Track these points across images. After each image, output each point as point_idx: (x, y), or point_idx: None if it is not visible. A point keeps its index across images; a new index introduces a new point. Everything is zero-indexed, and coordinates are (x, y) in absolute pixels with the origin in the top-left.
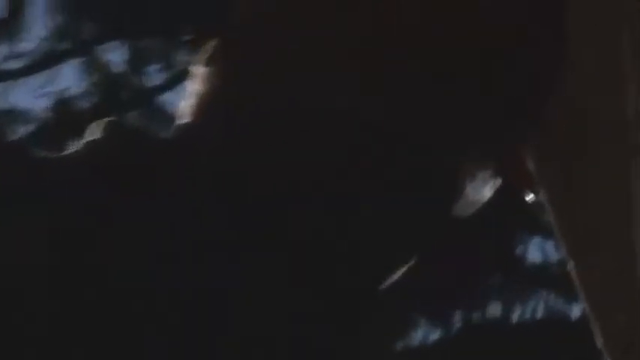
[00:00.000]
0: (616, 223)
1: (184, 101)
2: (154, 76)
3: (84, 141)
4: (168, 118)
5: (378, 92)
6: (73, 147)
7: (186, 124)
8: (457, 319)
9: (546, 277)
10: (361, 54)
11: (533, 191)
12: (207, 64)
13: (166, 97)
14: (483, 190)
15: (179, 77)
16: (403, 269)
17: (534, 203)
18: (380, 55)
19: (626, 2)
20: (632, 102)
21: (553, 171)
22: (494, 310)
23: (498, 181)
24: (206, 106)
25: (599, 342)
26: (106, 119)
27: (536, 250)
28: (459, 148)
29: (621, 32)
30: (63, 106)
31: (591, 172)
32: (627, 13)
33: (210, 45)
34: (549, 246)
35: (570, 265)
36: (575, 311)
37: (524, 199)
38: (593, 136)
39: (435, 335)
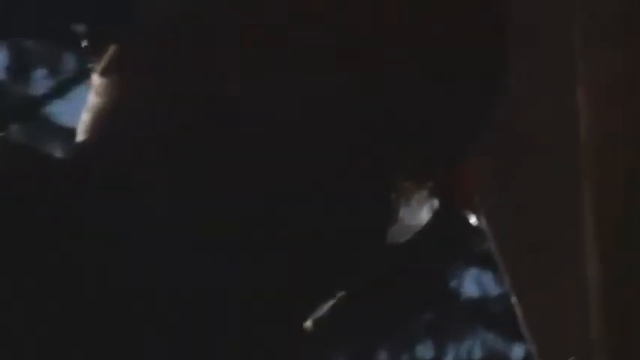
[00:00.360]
0: (566, 253)
1: (82, 115)
2: (40, 82)
3: None
4: (57, 131)
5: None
6: None
7: (84, 143)
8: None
9: (484, 313)
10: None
11: (472, 211)
12: (105, 73)
13: (55, 108)
14: (419, 214)
15: (69, 84)
16: (329, 303)
17: (471, 230)
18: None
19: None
20: (583, 126)
21: (496, 198)
22: (426, 350)
23: (435, 204)
24: (104, 122)
25: None
26: None
27: (472, 284)
28: (397, 165)
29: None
30: None
31: (539, 198)
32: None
33: (109, 52)
34: (488, 279)
35: (514, 301)
36: (518, 352)
37: (459, 226)
38: (540, 161)
39: None
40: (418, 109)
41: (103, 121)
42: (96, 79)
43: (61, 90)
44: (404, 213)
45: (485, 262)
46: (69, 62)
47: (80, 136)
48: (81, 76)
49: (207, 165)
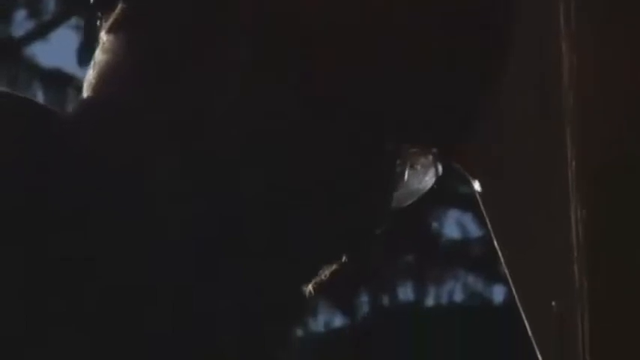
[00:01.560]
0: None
1: (89, 71)
2: (22, 24)
3: None
4: (39, 73)
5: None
6: None
7: (87, 101)
8: (364, 304)
9: (465, 255)
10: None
11: (474, 177)
12: (112, 31)
13: (37, 48)
14: (424, 179)
15: (50, 26)
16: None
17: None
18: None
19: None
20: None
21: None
22: (406, 293)
23: (440, 168)
24: (109, 80)
25: (529, 329)
26: None
27: (453, 226)
28: (405, 134)
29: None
30: None
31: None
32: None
33: (117, 9)
34: (469, 221)
35: (496, 244)
36: (499, 295)
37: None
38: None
39: (338, 321)
40: (424, 79)
41: (107, 79)
42: (103, 36)
43: (41, 31)
44: (409, 177)
45: (466, 203)
46: (49, 4)
47: (85, 93)
48: (61, 18)
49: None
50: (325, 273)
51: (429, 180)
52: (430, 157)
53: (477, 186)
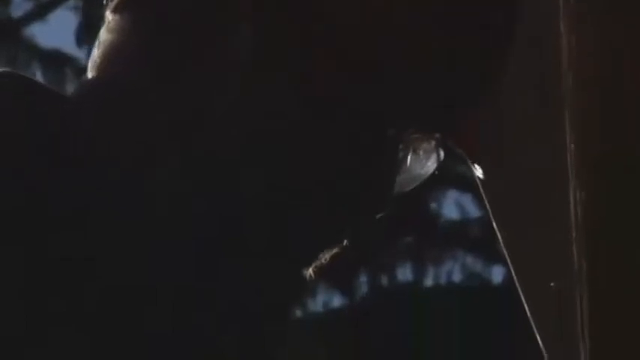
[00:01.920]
0: (550, 181)
1: (94, 50)
2: (21, 5)
3: None
4: (38, 53)
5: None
6: None
7: (91, 81)
8: (362, 284)
9: (464, 236)
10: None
11: (475, 162)
12: (117, 11)
13: (36, 29)
14: (427, 164)
15: (49, 7)
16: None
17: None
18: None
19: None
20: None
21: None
22: (405, 273)
23: (442, 154)
24: (113, 60)
25: (528, 310)
26: None
27: (452, 206)
28: (408, 118)
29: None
30: None
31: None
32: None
33: None
34: (467, 202)
35: (494, 225)
36: (497, 275)
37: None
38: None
39: (337, 301)
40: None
41: (112, 59)
42: (108, 15)
43: (40, 12)
44: (411, 162)
45: (465, 184)
46: None
47: (90, 73)
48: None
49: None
50: (325, 257)
51: (431, 165)
52: (432, 142)
53: (477, 169)
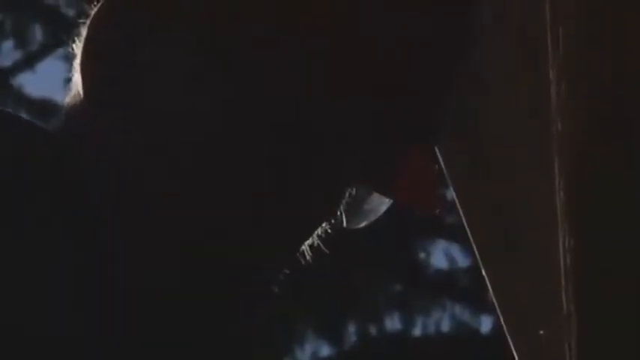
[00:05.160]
0: (537, 224)
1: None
2: (9, 54)
3: None
4: (27, 102)
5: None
6: None
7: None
8: (351, 333)
9: (453, 285)
10: None
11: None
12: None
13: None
14: (379, 203)
15: (37, 56)
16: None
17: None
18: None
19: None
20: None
21: (463, 166)
22: (394, 322)
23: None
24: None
25: (517, 359)
26: None
27: (440, 256)
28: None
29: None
30: None
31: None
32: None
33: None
34: (456, 251)
35: (483, 273)
36: (486, 324)
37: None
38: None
39: (326, 350)
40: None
41: (74, 99)
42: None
43: (29, 62)
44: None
45: (453, 234)
46: (36, 34)
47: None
48: (48, 48)
49: None
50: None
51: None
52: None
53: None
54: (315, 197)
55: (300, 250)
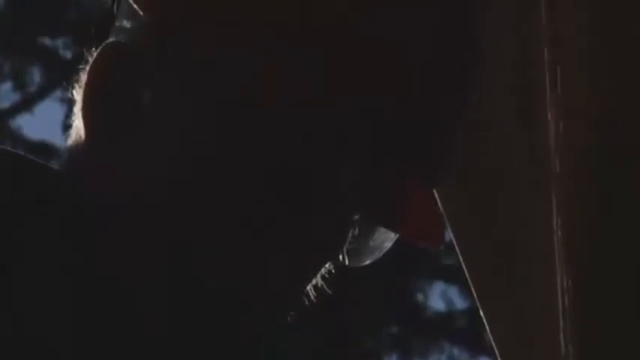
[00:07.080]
0: (534, 262)
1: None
2: (6, 96)
3: None
4: (25, 144)
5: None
6: None
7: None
8: None
9: (450, 327)
10: None
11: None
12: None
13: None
14: (384, 239)
15: (35, 98)
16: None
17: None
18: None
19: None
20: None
21: (462, 205)
22: None
23: (396, 235)
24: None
25: None
26: None
27: (438, 298)
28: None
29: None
30: None
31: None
32: None
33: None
34: (453, 293)
35: (480, 313)
36: None
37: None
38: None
39: None
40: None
41: (76, 141)
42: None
43: (27, 104)
44: (373, 237)
45: (451, 276)
46: (35, 76)
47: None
48: (47, 90)
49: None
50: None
51: (387, 242)
52: (384, 218)
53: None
54: (318, 236)
55: (306, 291)
